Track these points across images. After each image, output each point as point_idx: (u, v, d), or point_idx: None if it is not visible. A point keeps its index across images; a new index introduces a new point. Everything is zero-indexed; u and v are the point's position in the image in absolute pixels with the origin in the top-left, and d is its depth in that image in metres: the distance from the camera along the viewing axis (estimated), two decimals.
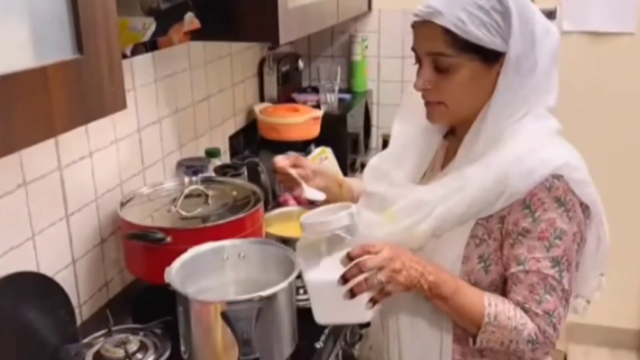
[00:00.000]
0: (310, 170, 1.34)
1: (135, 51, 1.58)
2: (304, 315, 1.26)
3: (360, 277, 1.01)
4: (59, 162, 1.33)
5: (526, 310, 1.07)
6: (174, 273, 1.12)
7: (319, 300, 1.06)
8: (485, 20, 1.06)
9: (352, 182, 1.46)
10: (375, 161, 1.34)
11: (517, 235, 1.07)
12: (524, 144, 1.08)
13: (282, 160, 1.31)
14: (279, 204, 2.06)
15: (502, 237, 1.10)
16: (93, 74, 0.83)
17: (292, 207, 1.98)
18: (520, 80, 1.08)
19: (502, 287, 1.12)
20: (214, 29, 1.56)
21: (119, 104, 0.90)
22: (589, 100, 2.55)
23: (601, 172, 2.45)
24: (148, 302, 1.49)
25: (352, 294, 1.01)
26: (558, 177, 1.05)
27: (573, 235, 1.07)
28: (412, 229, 1.12)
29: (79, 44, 0.81)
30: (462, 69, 1.09)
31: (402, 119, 1.31)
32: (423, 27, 1.11)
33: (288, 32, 1.58)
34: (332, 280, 1.01)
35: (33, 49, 0.75)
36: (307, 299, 1.39)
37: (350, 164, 2.39)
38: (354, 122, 2.47)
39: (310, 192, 1.30)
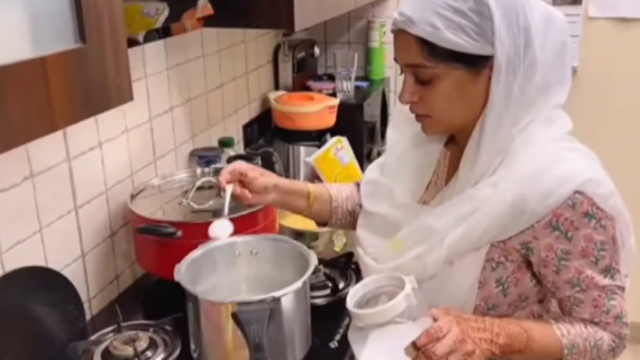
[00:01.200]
0: (260, 187, 1.19)
1: (148, 37, 1.54)
2: (318, 313, 1.22)
3: None
4: (68, 153, 1.29)
5: (596, 324, 1.03)
6: (184, 271, 1.08)
7: None
8: (462, 23, 0.96)
9: (337, 190, 1.32)
10: (371, 175, 1.23)
11: (558, 260, 1.00)
12: (538, 158, 1.00)
13: (223, 175, 1.18)
14: None
15: (527, 262, 1.04)
16: (97, 64, 0.79)
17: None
18: (520, 83, 0.99)
19: (520, 305, 1.07)
20: (228, 15, 1.51)
21: (125, 96, 0.85)
22: (616, 88, 2.47)
23: (629, 163, 2.40)
24: (159, 297, 1.45)
25: None
26: (580, 192, 0.98)
27: (612, 239, 1.01)
28: (422, 259, 1.04)
29: (82, 32, 0.76)
30: (445, 80, 1.00)
31: (397, 126, 1.20)
32: (399, 36, 1.02)
33: (304, 19, 1.52)
34: None
35: (31, 38, 0.70)
36: (322, 296, 1.37)
37: (366, 154, 2.34)
38: (371, 110, 2.41)
39: (213, 229, 1.15)
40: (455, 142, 1.13)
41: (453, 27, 0.96)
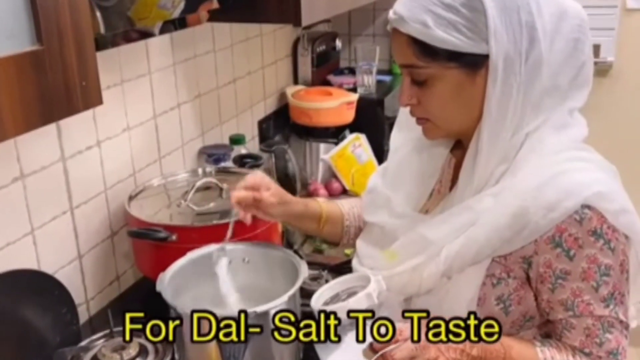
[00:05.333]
0: (272, 213, 1.11)
1: (164, 29, 1.50)
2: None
3: None
4: (62, 153, 1.26)
5: (587, 355, 0.93)
6: (168, 280, 1.04)
7: None
8: (453, 20, 0.88)
9: (349, 208, 1.25)
10: (372, 183, 1.17)
11: (555, 279, 0.92)
12: (543, 167, 0.91)
13: (236, 194, 1.07)
14: (308, 194, 1.97)
15: (527, 277, 0.95)
16: (56, 67, 0.74)
17: (320, 199, 1.88)
18: (522, 85, 0.90)
19: (525, 325, 0.99)
20: (234, 9, 1.45)
21: (93, 100, 0.80)
22: None
23: None
24: (158, 299, 1.41)
25: None
26: (588, 206, 0.89)
27: (620, 266, 0.91)
28: (418, 271, 0.98)
29: (38, 32, 0.71)
30: (439, 81, 0.93)
31: (401, 129, 1.13)
32: (394, 35, 0.96)
33: (312, 13, 1.45)
34: None
35: None
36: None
37: (387, 151, 2.26)
38: (394, 105, 2.31)
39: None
40: (462, 147, 1.05)
41: (444, 24, 0.89)
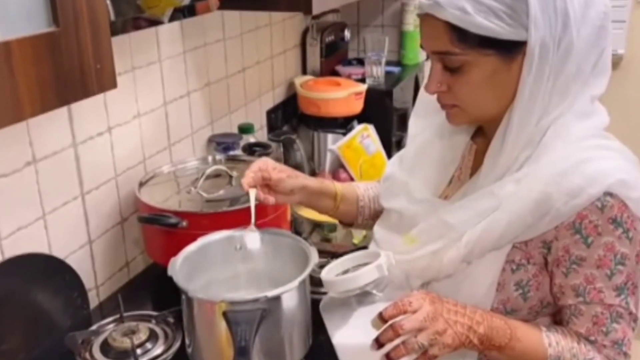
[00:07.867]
0: (286, 189, 1.13)
1: (174, 17, 1.50)
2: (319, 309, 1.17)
3: (397, 341, 0.87)
4: (74, 138, 1.27)
5: (591, 342, 0.93)
6: (179, 264, 1.04)
7: None
8: (494, 6, 0.87)
9: (364, 190, 1.26)
10: (391, 169, 1.17)
11: (570, 263, 0.92)
12: (567, 155, 0.91)
13: (246, 177, 1.08)
14: None
15: (545, 262, 0.95)
16: (72, 49, 0.75)
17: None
18: (552, 71, 0.90)
19: (542, 311, 0.99)
20: None
21: (107, 83, 0.81)
22: None
23: None
24: (169, 285, 1.42)
25: (389, 359, 0.88)
26: (611, 194, 0.88)
27: (636, 256, 0.91)
28: (438, 256, 0.97)
29: (54, 14, 0.72)
30: (475, 68, 0.92)
31: (420, 115, 1.13)
32: (425, 21, 0.94)
33: (322, 1, 1.45)
34: (364, 344, 0.88)
35: None
36: (323, 292, 1.31)
37: (396, 142, 2.26)
38: (403, 96, 2.32)
39: (247, 236, 1.08)
40: (484, 134, 1.05)
41: (484, 11, 0.88)
